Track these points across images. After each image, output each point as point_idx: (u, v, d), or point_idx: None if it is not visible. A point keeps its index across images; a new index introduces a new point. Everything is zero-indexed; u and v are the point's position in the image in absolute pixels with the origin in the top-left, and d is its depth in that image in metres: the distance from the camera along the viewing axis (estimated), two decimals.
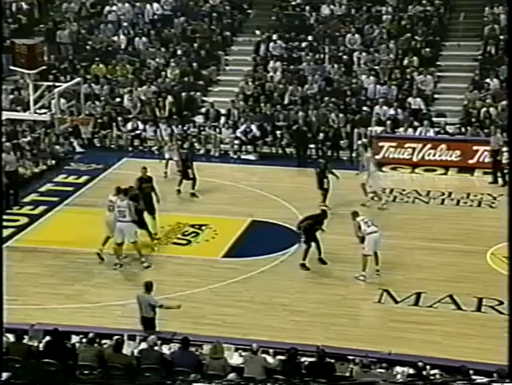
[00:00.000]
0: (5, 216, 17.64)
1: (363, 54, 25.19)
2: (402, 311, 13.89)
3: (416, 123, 22.47)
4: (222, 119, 23.51)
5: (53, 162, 21.35)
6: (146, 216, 16.22)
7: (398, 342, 12.41)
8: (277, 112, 23.28)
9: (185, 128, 23.41)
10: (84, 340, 11.24)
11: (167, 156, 20.45)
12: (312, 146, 22.32)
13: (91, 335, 11.04)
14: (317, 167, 18.52)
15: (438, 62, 25.05)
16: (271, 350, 11.19)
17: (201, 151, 22.82)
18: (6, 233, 16.76)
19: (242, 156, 22.56)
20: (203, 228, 17.33)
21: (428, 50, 24.95)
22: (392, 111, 22.91)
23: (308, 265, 15.30)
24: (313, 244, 15.27)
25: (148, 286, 12.35)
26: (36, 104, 17.88)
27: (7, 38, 26.07)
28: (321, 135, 22.30)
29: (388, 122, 22.51)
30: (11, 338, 11.21)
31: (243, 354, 11.12)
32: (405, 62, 24.78)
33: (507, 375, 9.80)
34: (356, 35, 25.71)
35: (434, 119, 22.98)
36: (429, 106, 23.64)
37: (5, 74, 25.57)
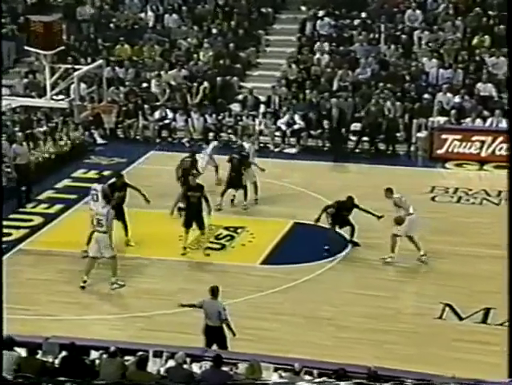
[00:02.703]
0: (17, 216, 17.99)
1: (425, 32, 25.07)
2: (468, 329, 13.80)
3: (485, 113, 22.35)
4: (262, 108, 23.62)
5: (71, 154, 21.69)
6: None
7: (463, 365, 12.32)
8: (324, 100, 23.30)
9: (220, 118, 23.58)
10: (105, 355, 11.38)
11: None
12: (365, 139, 22.33)
13: (112, 349, 11.17)
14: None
15: None
16: (315, 371, 11.22)
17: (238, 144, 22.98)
18: (18, 234, 17.12)
19: (284, 150, 22.66)
20: (239, 230, 17.44)
21: (502, 27, 24.67)
22: (457, 99, 22.78)
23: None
24: (337, 228, 16.42)
25: (215, 291, 12.53)
26: (53, 90, 18.08)
27: (21, 14, 26.57)
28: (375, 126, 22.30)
29: (453, 111, 22.39)
30: (23, 352, 11.36)
31: (283, 374, 11.16)
32: (474, 41, 24.60)
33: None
34: (417, 11, 25.58)
35: (507, 107, 22.76)
36: (502, 93, 23.37)
37: (19, 56, 26.07)
